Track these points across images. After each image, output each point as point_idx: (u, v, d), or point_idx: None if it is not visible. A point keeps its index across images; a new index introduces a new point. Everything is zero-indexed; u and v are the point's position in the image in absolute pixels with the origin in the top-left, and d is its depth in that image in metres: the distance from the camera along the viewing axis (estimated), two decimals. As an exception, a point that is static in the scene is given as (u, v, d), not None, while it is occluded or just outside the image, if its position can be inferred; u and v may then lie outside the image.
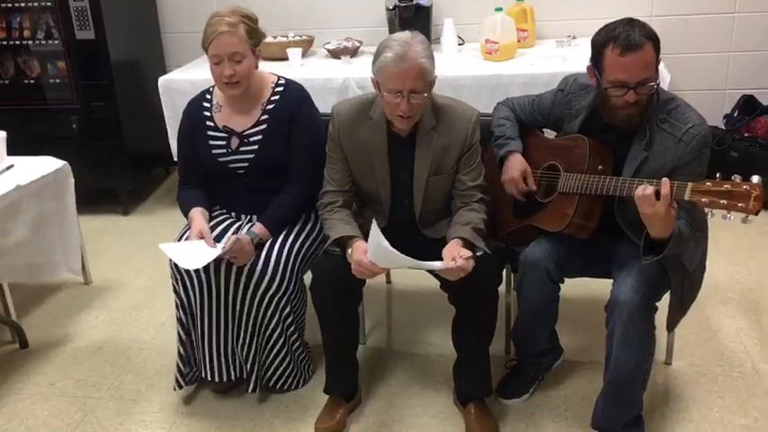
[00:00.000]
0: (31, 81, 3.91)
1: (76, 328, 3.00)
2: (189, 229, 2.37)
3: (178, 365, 2.44)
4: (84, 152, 3.86)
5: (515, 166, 2.28)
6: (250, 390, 2.41)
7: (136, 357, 2.77)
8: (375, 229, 1.95)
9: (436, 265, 2.02)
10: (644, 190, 1.84)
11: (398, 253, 1.97)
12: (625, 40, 1.91)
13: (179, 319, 2.40)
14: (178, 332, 2.42)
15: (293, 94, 2.44)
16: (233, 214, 2.49)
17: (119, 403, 2.52)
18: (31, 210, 2.87)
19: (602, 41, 1.98)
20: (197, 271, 2.28)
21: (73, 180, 3.09)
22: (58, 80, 3.88)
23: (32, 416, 2.47)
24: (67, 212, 3.07)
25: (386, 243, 1.95)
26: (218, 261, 2.27)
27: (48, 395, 2.58)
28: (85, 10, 3.69)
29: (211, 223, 2.40)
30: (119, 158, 3.97)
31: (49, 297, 3.24)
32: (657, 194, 1.81)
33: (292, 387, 2.49)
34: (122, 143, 3.94)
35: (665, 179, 1.82)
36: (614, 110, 2.01)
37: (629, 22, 1.96)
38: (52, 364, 2.76)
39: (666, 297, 2.13)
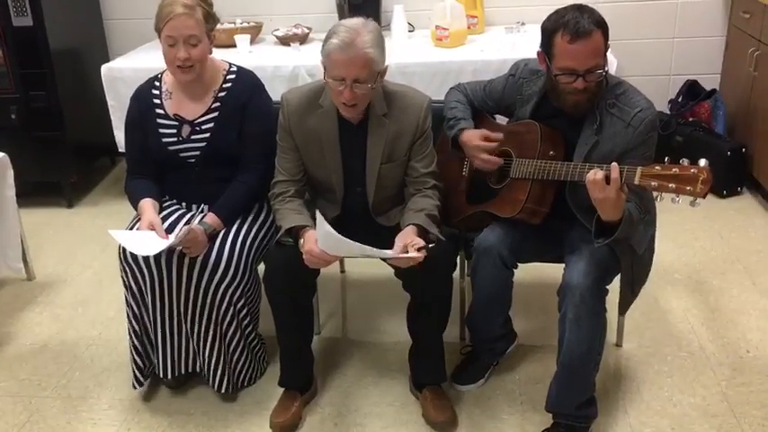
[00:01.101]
0: (-33, 70, 3.75)
1: (19, 325, 2.90)
2: (139, 220, 2.30)
3: (135, 362, 2.37)
4: (25, 143, 3.73)
5: (472, 136, 2.23)
6: (222, 389, 2.35)
7: (83, 354, 2.69)
8: (320, 219, 1.93)
9: (387, 253, 2.00)
10: (594, 175, 1.85)
11: (347, 240, 1.95)
12: (574, 27, 1.92)
13: (132, 314, 2.32)
14: (132, 328, 2.34)
15: (246, 82, 2.39)
16: (183, 204, 2.43)
17: (66, 402, 2.44)
18: (-32, 204, 2.76)
19: (551, 28, 1.98)
20: (148, 263, 2.22)
21: (12, 172, 2.98)
22: (-6, 69, 3.73)
23: (-26, 418, 2.39)
24: (6, 207, 2.96)
25: (332, 230, 1.93)
26: (170, 252, 2.21)
27: (-10, 396, 2.50)
28: (22, -5, 3.56)
29: (162, 214, 2.33)
30: (61, 149, 3.84)
31: (-10, 294, 3.13)
32: (607, 179, 1.83)
33: (246, 383, 2.45)
34: (64, 133, 3.81)
35: (613, 164, 1.84)
36: (563, 95, 2.02)
37: (579, 9, 1.96)
38: (-6, 364, 2.67)
39: (617, 281, 2.17)
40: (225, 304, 2.27)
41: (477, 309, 2.32)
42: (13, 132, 3.74)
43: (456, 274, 2.29)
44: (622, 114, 2.02)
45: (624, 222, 1.91)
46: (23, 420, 2.36)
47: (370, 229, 2.24)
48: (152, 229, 2.22)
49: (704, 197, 1.75)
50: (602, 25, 1.95)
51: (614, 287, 2.16)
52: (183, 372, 2.38)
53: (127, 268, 2.26)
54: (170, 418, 2.35)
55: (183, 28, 2.19)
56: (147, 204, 2.31)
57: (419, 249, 2.00)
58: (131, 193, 2.38)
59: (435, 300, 2.21)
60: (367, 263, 2.67)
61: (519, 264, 2.24)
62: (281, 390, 2.34)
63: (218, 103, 2.35)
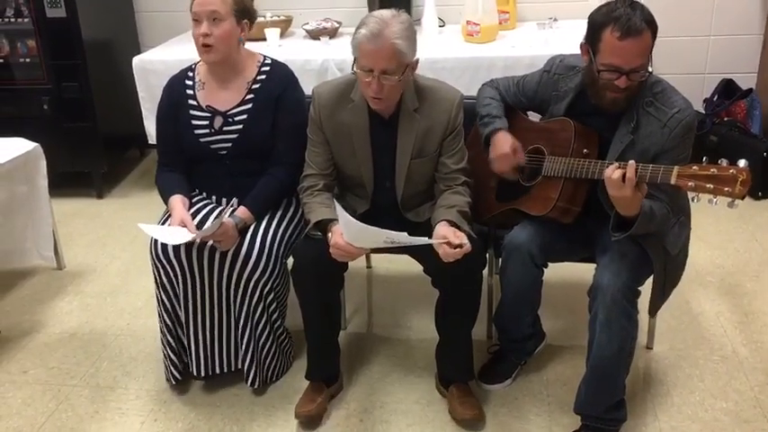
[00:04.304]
0: (0, 60, 3.79)
1: (50, 314, 2.93)
2: (169, 216, 2.31)
3: (170, 359, 2.37)
4: (57, 134, 3.79)
5: (504, 141, 2.21)
6: (255, 385, 2.36)
7: (111, 344, 2.72)
8: (339, 209, 1.92)
9: (411, 239, 1.94)
10: (612, 173, 1.84)
11: (368, 226, 1.93)
12: (626, 24, 1.87)
13: (165, 311, 2.32)
14: (165, 324, 2.34)
15: (280, 75, 2.38)
16: (213, 198, 2.43)
17: (94, 391, 2.47)
18: (1, 194, 2.79)
19: (601, 21, 1.93)
20: (179, 259, 2.22)
21: (45, 162, 3.01)
22: (28, 59, 3.77)
23: (5, 404, 2.41)
24: (39, 196, 3.00)
25: (352, 218, 1.92)
26: (201, 247, 2.21)
27: (20, 383, 2.52)
28: (56, -13, 3.59)
29: (192, 210, 2.34)
30: (92, 140, 3.89)
31: (22, 283, 3.16)
32: (624, 178, 1.81)
33: (274, 377, 2.45)
34: (95, 124, 3.86)
35: (630, 162, 1.82)
36: (602, 91, 1.98)
37: (631, 5, 1.91)
38: (25, 352, 2.69)
39: (649, 282, 2.13)
40: (255, 298, 2.27)
41: (506, 307, 2.29)
42: (45, 123, 3.79)
43: (484, 272, 2.27)
44: (659, 114, 1.98)
45: (641, 218, 1.89)
46: (52, 408, 2.39)
47: (399, 224, 2.22)
48: (183, 227, 2.22)
49: (743, 198, 1.72)
50: (652, 25, 1.91)
51: (645, 288, 2.12)
52: (216, 372, 2.38)
53: (158, 265, 2.26)
54: (196, 409, 2.36)
55: (206, 4, 2.21)
56: (177, 201, 2.31)
57: (460, 246, 1.95)
58: (162, 187, 2.39)
59: (465, 297, 2.18)
60: (393, 258, 2.65)
61: (549, 263, 2.21)
62: (307, 383, 2.34)
63: (251, 95, 2.34)
